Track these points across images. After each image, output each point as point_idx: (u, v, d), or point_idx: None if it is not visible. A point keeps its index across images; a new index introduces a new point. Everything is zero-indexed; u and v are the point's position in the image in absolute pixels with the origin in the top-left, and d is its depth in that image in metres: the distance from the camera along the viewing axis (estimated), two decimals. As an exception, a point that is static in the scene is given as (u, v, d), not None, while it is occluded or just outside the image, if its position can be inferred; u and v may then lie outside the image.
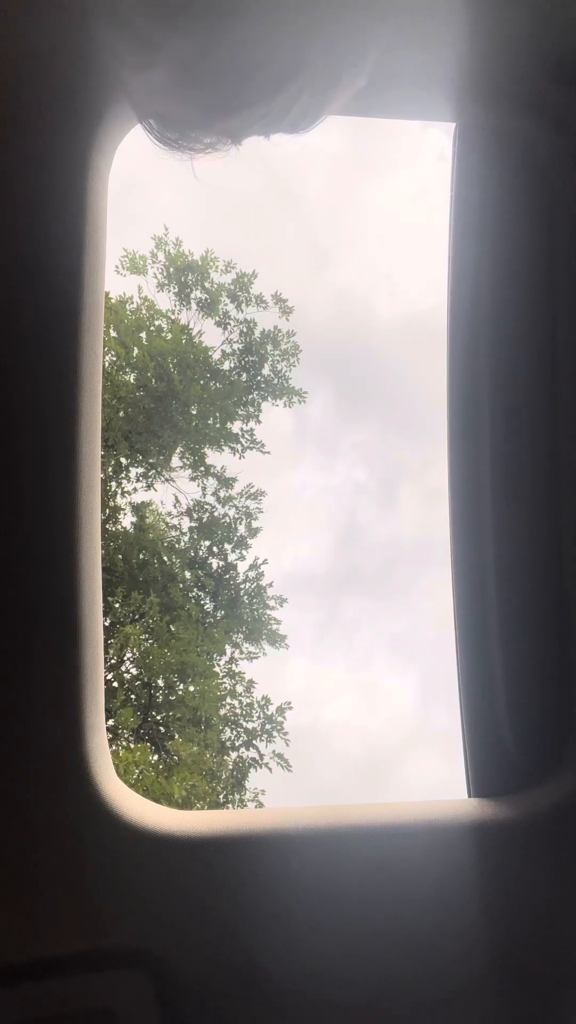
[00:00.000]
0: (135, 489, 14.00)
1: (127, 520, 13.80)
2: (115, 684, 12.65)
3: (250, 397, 14.55)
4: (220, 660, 13.76)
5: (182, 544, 14.23)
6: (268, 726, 13.39)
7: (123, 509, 13.78)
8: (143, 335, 13.76)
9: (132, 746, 12.01)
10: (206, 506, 14.38)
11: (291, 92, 0.85)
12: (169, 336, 13.80)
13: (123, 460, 13.65)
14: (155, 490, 14.28)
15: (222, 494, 14.38)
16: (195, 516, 14.38)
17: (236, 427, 14.39)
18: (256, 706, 13.54)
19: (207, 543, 14.29)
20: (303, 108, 0.87)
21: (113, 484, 13.52)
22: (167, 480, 14.28)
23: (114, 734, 12.29)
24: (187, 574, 13.99)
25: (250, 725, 13.51)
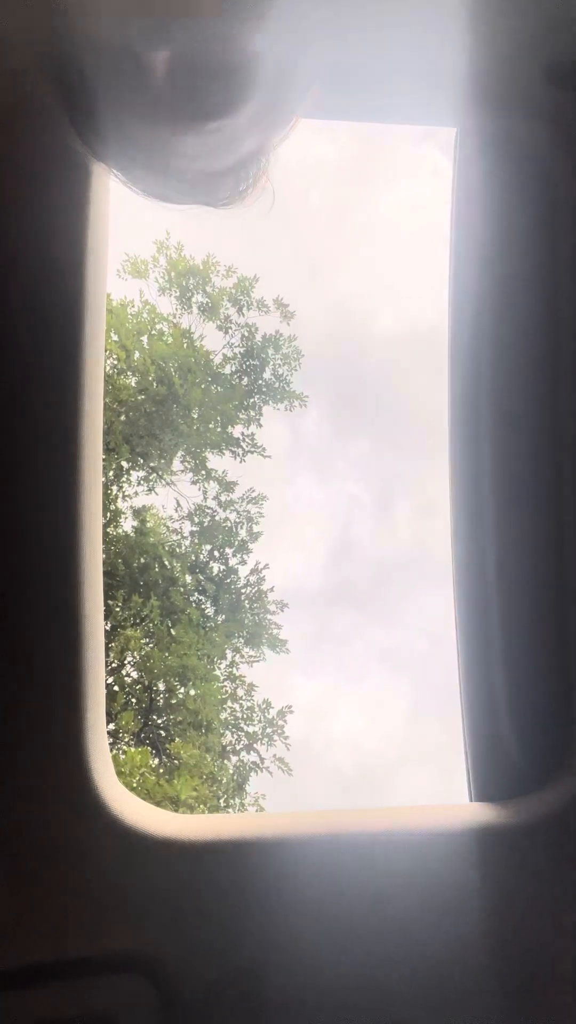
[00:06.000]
0: (136, 493, 14.00)
1: (128, 524, 13.80)
2: (116, 687, 12.63)
3: (251, 401, 14.55)
4: (221, 664, 13.74)
5: (183, 548, 14.21)
6: (269, 729, 13.36)
7: (124, 513, 13.77)
8: (144, 339, 13.77)
9: (132, 749, 11.99)
10: (207, 510, 14.36)
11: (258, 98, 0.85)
12: (170, 340, 13.81)
13: (124, 464, 13.65)
14: (156, 494, 14.29)
15: (223, 498, 14.37)
16: (196, 520, 14.36)
17: (237, 431, 14.40)
18: (257, 709, 13.52)
19: (208, 547, 14.28)
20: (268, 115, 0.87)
21: (114, 488, 13.52)
22: (168, 484, 14.28)
23: (115, 737, 12.28)
24: (188, 578, 13.97)
25: (251, 729, 13.49)
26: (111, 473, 13.36)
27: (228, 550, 14.27)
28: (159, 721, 13.19)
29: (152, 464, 13.99)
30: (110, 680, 12.67)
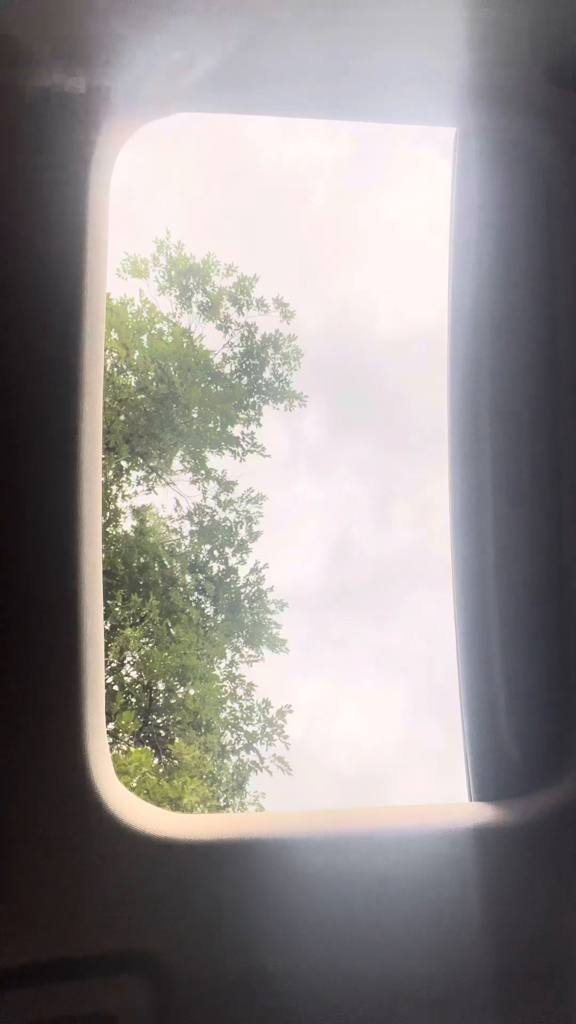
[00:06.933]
0: (136, 492, 14.00)
1: (128, 523, 13.80)
2: (115, 687, 12.63)
3: (251, 401, 14.55)
4: (220, 664, 13.75)
5: (182, 548, 14.22)
6: (268, 729, 13.37)
7: (124, 512, 13.77)
8: (144, 338, 13.77)
9: (136, 749, 11.99)
10: (207, 509, 14.37)
11: None
12: (170, 339, 13.81)
13: (124, 463, 13.66)
14: (156, 493, 14.28)
15: (223, 498, 14.38)
16: (196, 519, 14.37)
17: (236, 431, 14.41)
18: (256, 709, 13.53)
19: (208, 547, 14.28)
20: None
21: (114, 487, 13.52)
22: (168, 483, 14.28)
23: (114, 737, 12.28)
24: (187, 578, 13.98)
25: (250, 728, 13.49)
26: (111, 473, 13.36)
27: (228, 550, 14.28)
28: (159, 721, 13.19)
29: (152, 464, 13.99)
30: (110, 680, 12.68)
